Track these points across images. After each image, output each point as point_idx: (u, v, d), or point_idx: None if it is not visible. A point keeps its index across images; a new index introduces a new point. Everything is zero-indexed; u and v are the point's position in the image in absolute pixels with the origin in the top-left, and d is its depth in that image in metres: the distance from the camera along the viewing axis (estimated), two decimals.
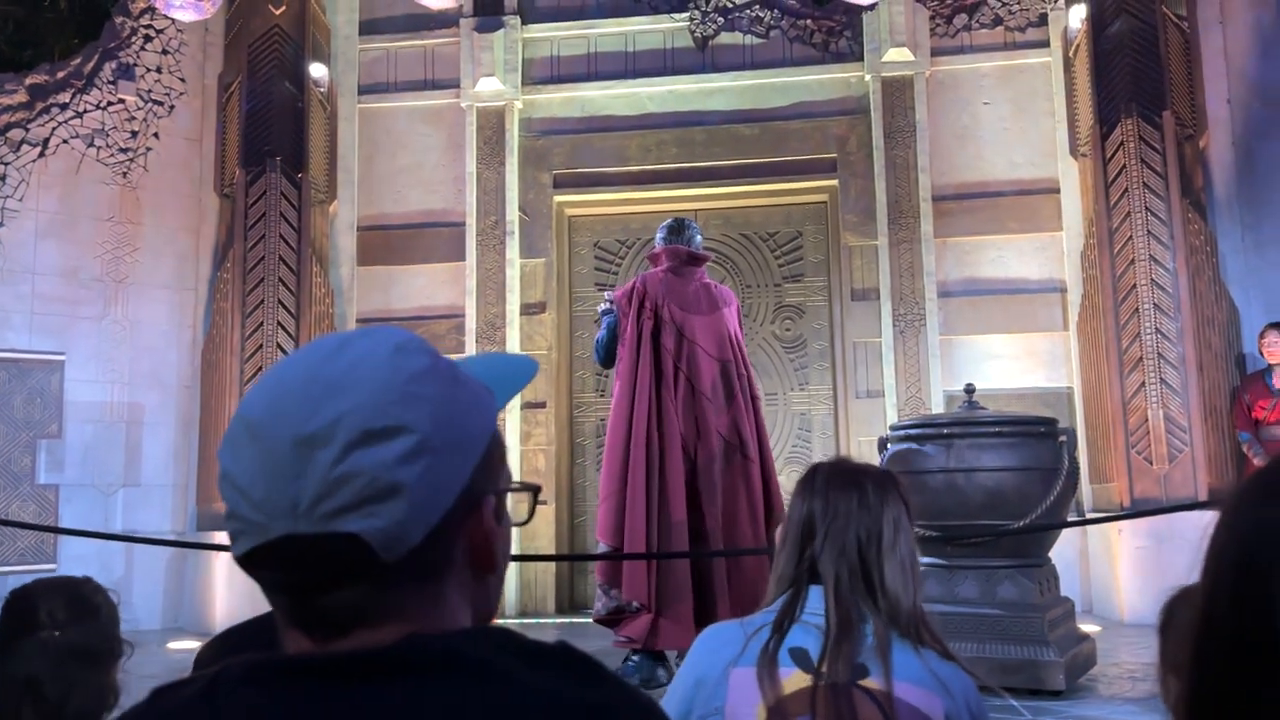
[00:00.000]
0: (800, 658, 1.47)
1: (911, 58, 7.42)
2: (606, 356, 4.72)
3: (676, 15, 7.77)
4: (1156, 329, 6.41)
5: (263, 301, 7.15)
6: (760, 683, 1.44)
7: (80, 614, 1.79)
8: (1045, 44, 7.42)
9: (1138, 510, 5.85)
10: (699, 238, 4.82)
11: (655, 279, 4.56)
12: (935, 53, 7.50)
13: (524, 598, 7.36)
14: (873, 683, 1.43)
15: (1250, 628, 0.56)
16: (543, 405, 7.60)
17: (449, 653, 0.69)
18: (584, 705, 0.69)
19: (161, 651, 6.00)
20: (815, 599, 1.52)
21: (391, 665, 0.68)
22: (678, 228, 4.78)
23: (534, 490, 0.85)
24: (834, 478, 1.60)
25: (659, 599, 4.30)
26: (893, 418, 6.81)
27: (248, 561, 0.71)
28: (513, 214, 7.72)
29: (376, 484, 0.67)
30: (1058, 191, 7.28)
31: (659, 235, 4.87)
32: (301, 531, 0.67)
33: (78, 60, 7.37)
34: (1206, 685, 0.59)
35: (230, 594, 6.59)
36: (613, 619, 4.46)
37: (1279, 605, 0.55)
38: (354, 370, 0.70)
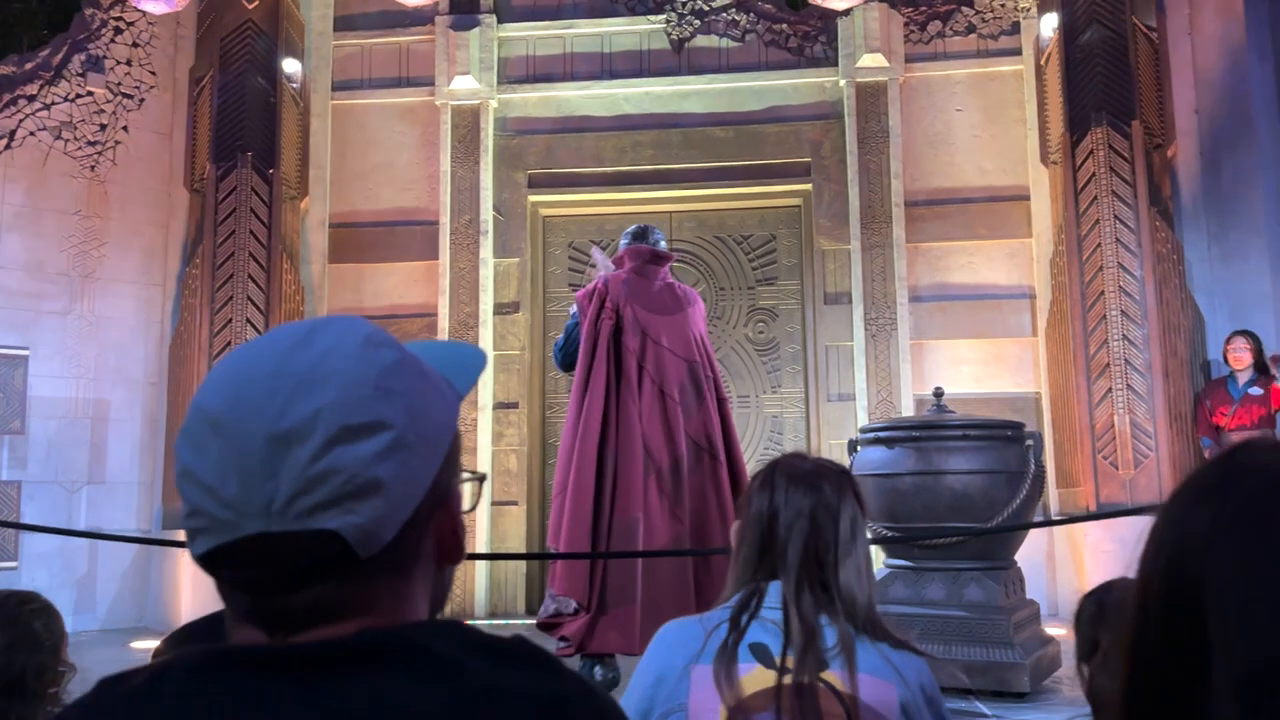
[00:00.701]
0: (761, 653, 1.46)
1: (885, 64, 7.46)
2: (565, 360, 4.62)
3: (653, 17, 7.79)
4: (1124, 335, 6.48)
5: (232, 298, 7.09)
6: (717, 681, 1.44)
7: (11, 640, 1.63)
8: (1017, 52, 7.49)
9: (1104, 512, 5.90)
10: (663, 242, 4.78)
11: (617, 280, 4.51)
12: (909, 59, 7.55)
13: (494, 598, 7.34)
14: (834, 676, 1.43)
15: (1182, 636, 0.57)
16: (515, 405, 7.59)
17: (403, 645, 0.68)
18: (537, 699, 0.69)
19: (126, 651, 5.93)
20: (773, 594, 1.51)
21: (344, 658, 0.67)
22: (641, 233, 4.74)
23: (480, 479, 0.85)
24: (792, 476, 1.59)
25: (600, 600, 4.17)
26: (864, 421, 6.85)
27: (210, 559, 0.69)
28: (487, 213, 7.70)
29: (356, 480, 0.67)
30: (1028, 198, 7.34)
31: (622, 241, 4.84)
32: (275, 529, 0.66)
33: (46, 52, 7.28)
34: (1140, 690, 0.60)
35: (196, 592, 6.52)
36: (553, 622, 4.27)
37: (1209, 614, 0.55)
38: (325, 363, 0.69)
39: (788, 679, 1.42)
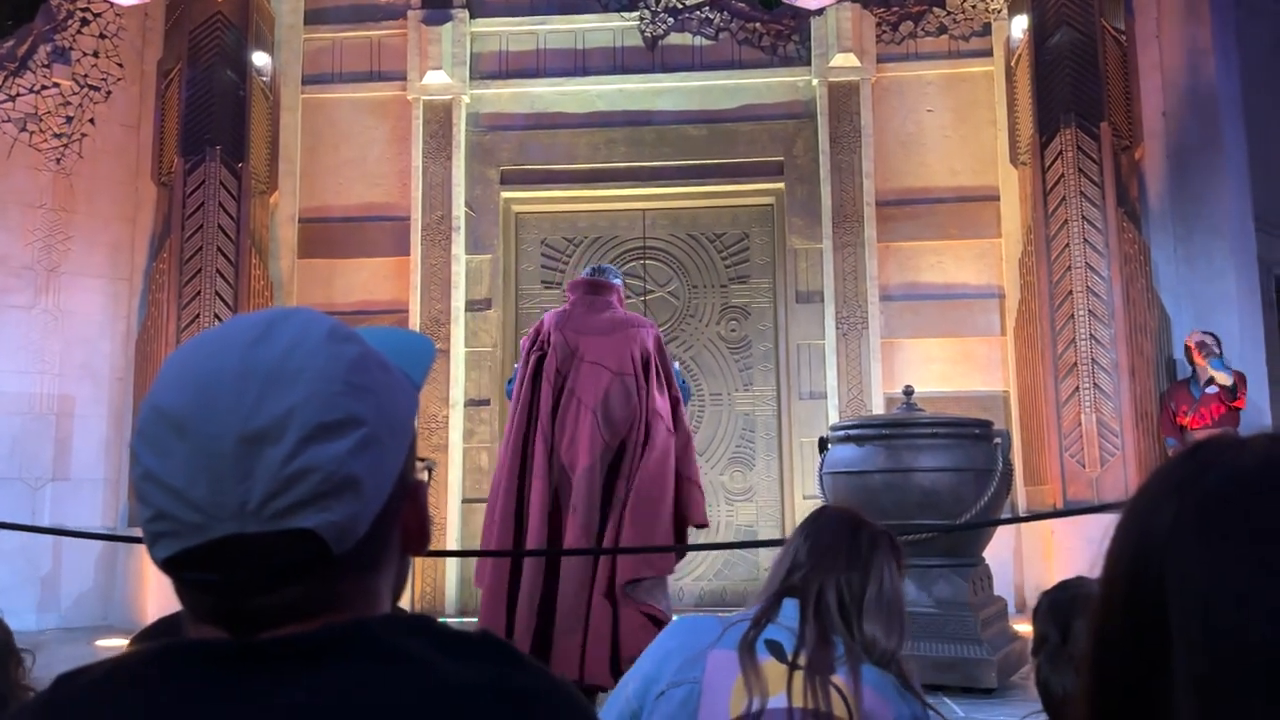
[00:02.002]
0: (775, 649, 1.57)
1: (858, 63, 7.50)
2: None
3: (626, 14, 7.77)
4: (1091, 335, 6.55)
5: (200, 293, 7.01)
6: (741, 660, 1.54)
7: None
8: (988, 53, 7.54)
9: (1071, 509, 5.97)
10: (616, 280, 4.78)
11: (556, 313, 4.59)
12: (881, 59, 7.58)
13: (464, 595, 7.31)
14: (839, 680, 1.53)
15: (1145, 632, 0.57)
16: (486, 403, 7.56)
17: (366, 640, 0.68)
18: (501, 692, 0.68)
19: (90, 649, 5.86)
20: (789, 609, 1.63)
21: (305, 653, 0.66)
22: (594, 272, 4.81)
23: (429, 467, 0.85)
24: (832, 524, 1.72)
25: (509, 632, 4.11)
26: (834, 419, 6.88)
27: (176, 563, 0.68)
28: (459, 209, 7.66)
29: (332, 479, 0.66)
30: (997, 199, 7.40)
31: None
32: (250, 531, 0.65)
33: (11, 42, 7.17)
34: (1105, 685, 0.60)
35: (162, 590, 6.45)
36: None
37: (1170, 610, 0.56)
38: (292, 359, 0.68)
39: (799, 672, 1.53)
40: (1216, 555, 0.55)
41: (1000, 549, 5.99)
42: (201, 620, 0.70)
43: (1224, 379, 6.15)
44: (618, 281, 4.71)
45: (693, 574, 7.62)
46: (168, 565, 0.68)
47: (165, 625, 1.20)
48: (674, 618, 1.74)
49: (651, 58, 7.80)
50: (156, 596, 6.53)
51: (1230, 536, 0.55)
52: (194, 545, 0.66)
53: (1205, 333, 6.39)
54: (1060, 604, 1.66)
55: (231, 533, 0.65)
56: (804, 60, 7.65)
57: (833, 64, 7.50)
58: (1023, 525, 6.69)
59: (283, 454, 0.65)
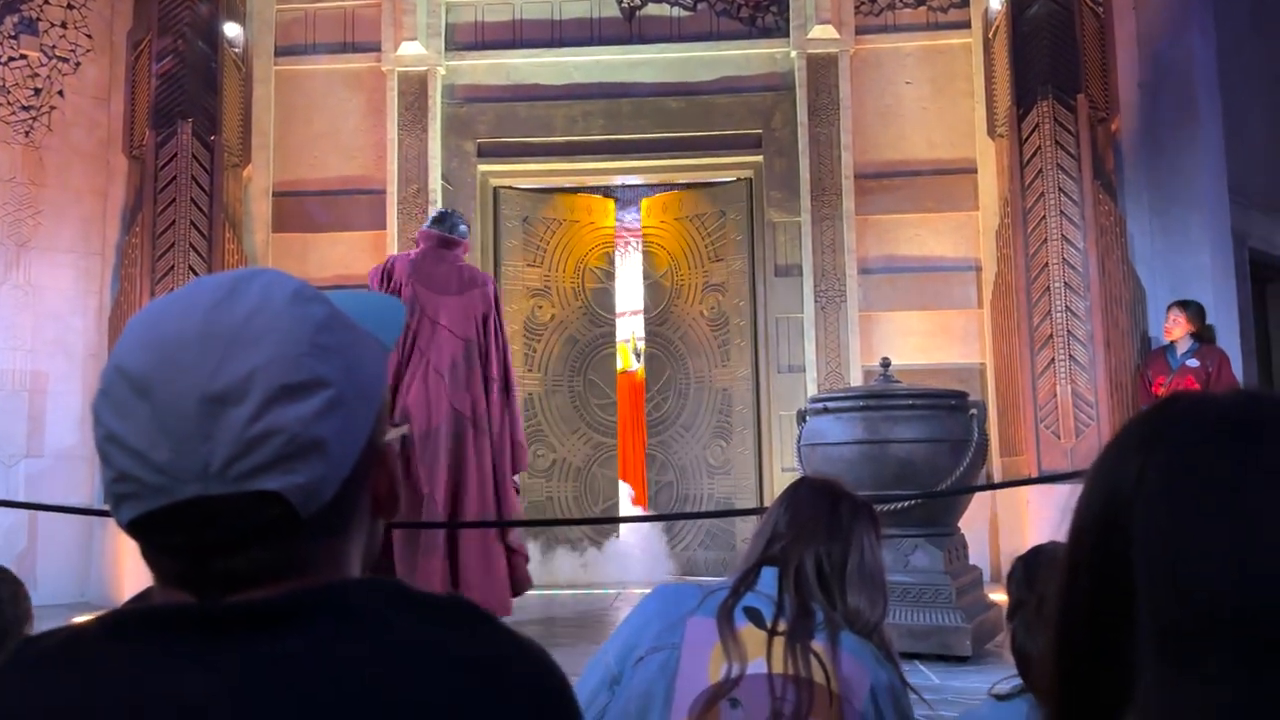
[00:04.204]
0: (754, 616, 1.58)
1: (836, 35, 7.46)
2: None
3: None
4: (1067, 307, 6.59)
5: (173, 268, 6.93)
6: (719, 627, 1.56)
7: None
8: (966, 25, 7.53)
9: (1047, 476, 6.02)
10: (463, 226, 5.06)
11: (405, 259, 4.78)
12: (859, 31, 7.55)
13: None
14: (818, 646, 1.54)
15: (1112, 586, 0.57)
16: None
17: (333, 604, 0.67)
18: (473, 658, 0.68)
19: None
20: (768, 577, 1.64)
21: (271, 617, 0.66)
22: (440, 218, 5.05)
23: (404, 431, 0.85)
24: (813, 495, 1.73)
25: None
26: (813, 392, 6.90)
27: (140, 526, 0.67)
28: (435, 183, 7.60)
29: (297, 441, 0.66)
30: (975, 171, 7.41)
31: (426, 224, 5.17)
32: (214, 492, 0.65)
33: None
34: (1070, 640, 0.60)
35: (140, 566, 6.33)
36: None
37: (1135, 565, 0.56)
38: (255, 320, 0.67)
39: (778, 638, 1.55)
40: (1182, 506, 0.55)
41: (976, 519, 6.05)
42: (169, 584, 0.69)
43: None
44: (466, 235, 4.99)
45: (682, 544, 7.71)
46: (132, 528, 0.68)
47: (143, 600, 1.19)
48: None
49: (629, 29, 7.74)
50: (133, 573, 6.50)
51: (1196, 488, 0.55)
52: (158, 507, 0.66)
53: (1184, 305, 6.41)
54: (1034, 567, 1.68)
55: (196, 495, 0.65)
56: (782, 32, 7.61)
57: (811, 35, 7.47)
58: (998, 496, 6.75)
59: (246, 415, 0.65)
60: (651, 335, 8.31)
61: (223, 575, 0.67)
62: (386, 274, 4.69)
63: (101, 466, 0.68)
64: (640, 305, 8.65)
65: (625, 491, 8.73)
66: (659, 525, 7.66)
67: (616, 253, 8.71)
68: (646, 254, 8.35)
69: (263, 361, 0.66)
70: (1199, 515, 0.55)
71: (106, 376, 0.68)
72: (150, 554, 0.70)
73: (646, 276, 8.31)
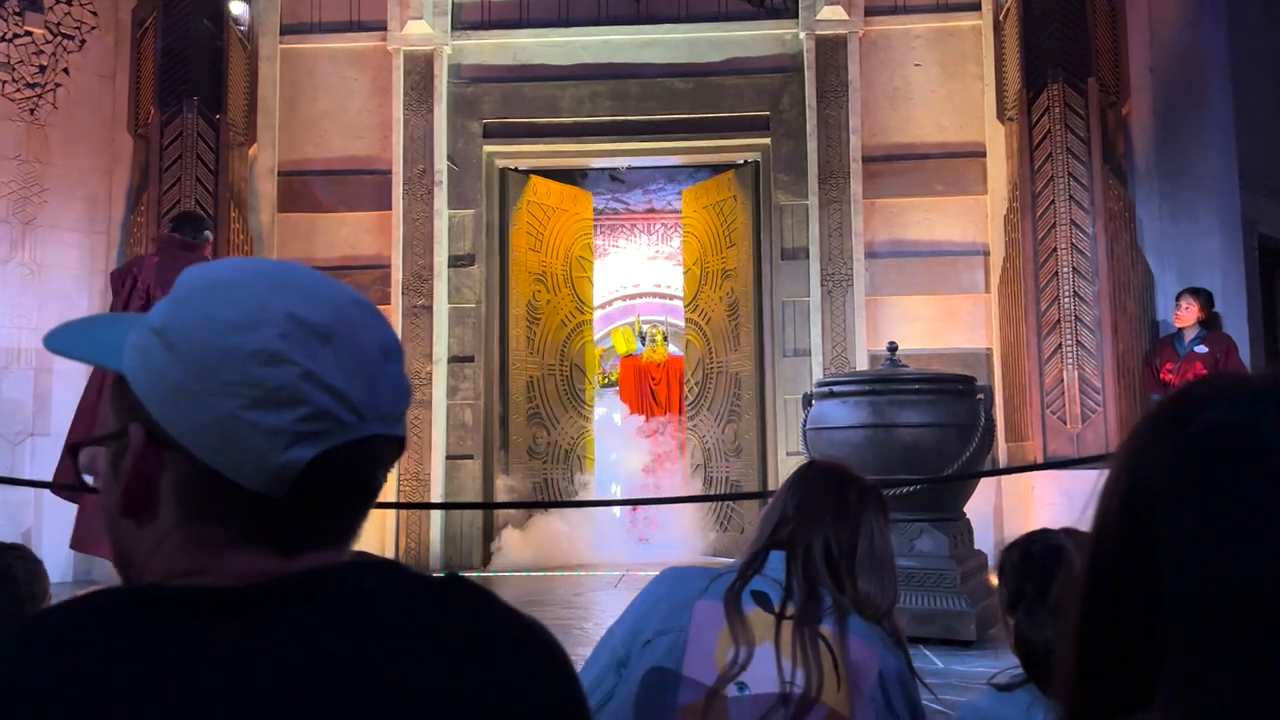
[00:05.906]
0: (762, 600, 1.58)
1: (845, 16, 7.40)
2: None
3: None
4: (1075, 292, 6.56)
5: None
6: (726, 610, 1.55)
7: None
8: (976, 7, 7.46)
9: (1053, 461, 6.01)
10: (206, 231, 5.14)
11: (150, 263, 4.80)
12: (869, 12, 7.49)
13: (448, 551, 7.33)
14: (825, 630, 1.54)
15: (1137, 567, 0.56)
16: (470, 359, 7.53)
17: (335, 586, 0.67)
18: (471, 633, 0.69)
19: None
20: (776, 561, 1.63)
21: (273, 596, 0.65)
22: (183, 220, 5.13)
23: None
24: (821, 479, 1.71)
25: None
26: (819, 376, 6.89)
27: (316, 466, 0.67)
28: (441, 163, 7.57)
29: (411, 395, 0.76)
30: (983, 155, 7.36)
31: (169, 226, 5.29)
32: (385, 432, 0.71)
33: None
34: (1096, 620, 0.59)
35: None
36: None
37: (1162, 549, 0.55)
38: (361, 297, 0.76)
39: (786, 622, 1.54)
40: (1209, 489, 0.54)
41: (981, 504, 6.04)
42: (240, 540, 0.68)
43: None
44: (209, 240, 5.08)
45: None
46: (309, 469, 0.67)
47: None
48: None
49: (637, 8, 7.68)
50: None
51: (1224, 471, 0.54)
52: (340, 444, 0.68)
53: (1195, 293, 6.38)
54: (1034, 557, 1.66)
55: (373, 433, 0.70)
56: (791, 13, 7.55)
57: (820, 16, 7.41)
58: (1003, 482, 6.74)
59: (399, 369, 0.74)
60: (688, 322, 8.59)
61: (318, 529, 0.70)
62: (132, 278, 4.72)
63: (283, 407, 0.67)
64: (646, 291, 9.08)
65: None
66: (702, 507, 7.87)
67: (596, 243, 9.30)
68: (685, 243, 8.58)
69: (393, 330, 0.75)
70: (1228, 499, 0.53)
71: (280, 323, 0.67)
72: (250, 506, 0.67)
73: (684, 266, 8.66)
